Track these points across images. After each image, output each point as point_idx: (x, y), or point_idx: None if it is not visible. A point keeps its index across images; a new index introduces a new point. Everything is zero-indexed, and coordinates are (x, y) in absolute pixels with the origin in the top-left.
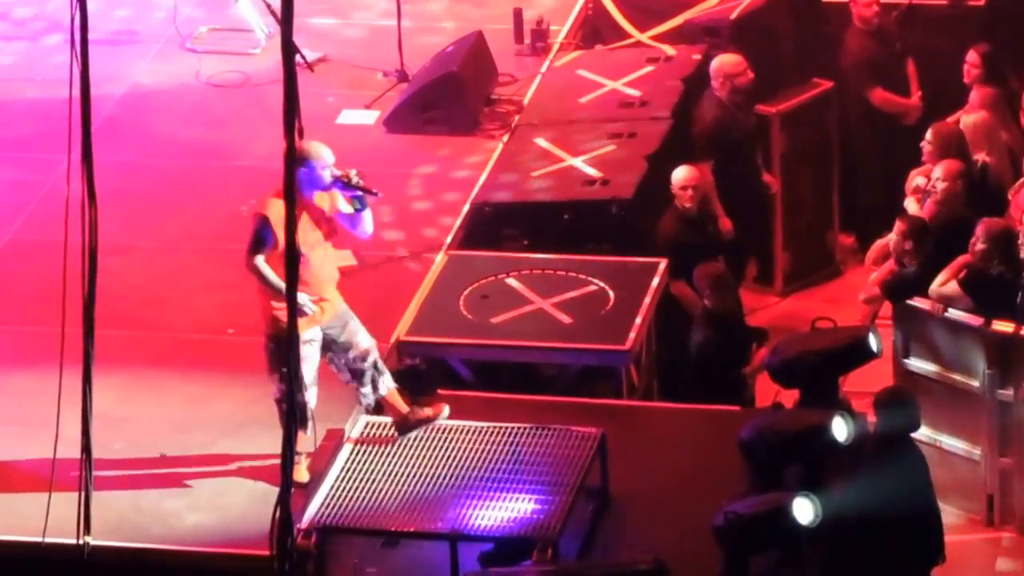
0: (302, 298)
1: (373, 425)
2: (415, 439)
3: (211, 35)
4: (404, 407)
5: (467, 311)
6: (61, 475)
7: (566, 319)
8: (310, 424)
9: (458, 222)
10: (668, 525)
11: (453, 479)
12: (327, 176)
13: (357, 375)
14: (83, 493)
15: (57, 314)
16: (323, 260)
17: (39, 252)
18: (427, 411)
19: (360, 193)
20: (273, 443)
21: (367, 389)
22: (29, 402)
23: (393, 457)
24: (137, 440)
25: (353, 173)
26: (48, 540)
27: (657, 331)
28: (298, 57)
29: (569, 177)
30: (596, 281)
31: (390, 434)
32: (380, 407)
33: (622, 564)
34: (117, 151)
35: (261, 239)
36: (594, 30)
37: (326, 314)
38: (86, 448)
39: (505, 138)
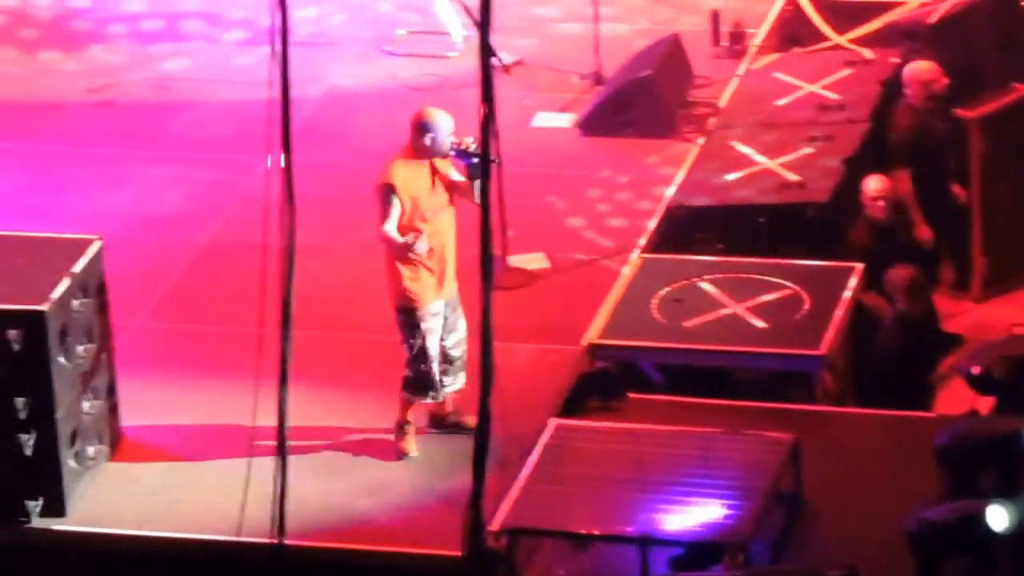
0: (421, 242)
1: (563, 428)
2: (606, 442)
3: (409, 38)
4: (451, 407)
5: (660, 315)
6: (256, 475)
7: (760, 323)
8: (434, 394)
9: (652, 225)
10: (861, 531)
11: (644, 483)
12: (448, 143)
13: (450, 360)
14: (278, 493)
15: (254, 315)
16: (447, 225)
17: (237, 253)
18: (469, 419)
19: (476, 161)
20: (465, 445)
21: (450, 378)
22: (225, 402)
23: (583, 460)
24: (330, 440)
25: (470, 140)
26: (243, 539)
27: (851, 336)
28: (494, 60)
29: (765, 180)
30: (791, 285)
31: (582, 437)
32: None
33: (814, 570)
34: (315, 153)
35: (390, 207)
36: (792, 33)
37: (446, 288)
38: (281, 448)
39: (701, 141)
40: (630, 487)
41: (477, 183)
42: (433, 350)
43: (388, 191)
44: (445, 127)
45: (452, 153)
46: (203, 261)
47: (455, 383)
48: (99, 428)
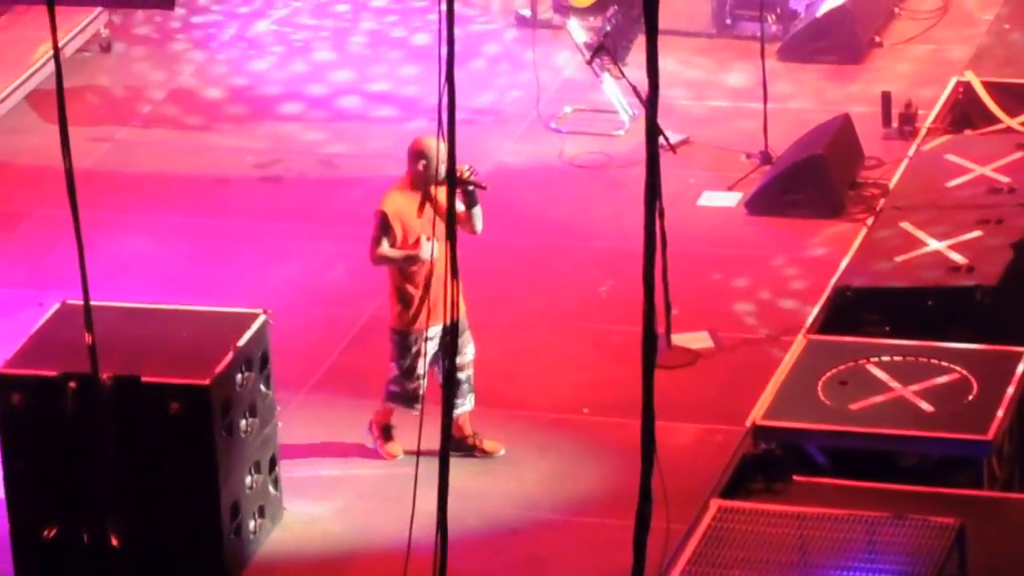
0: (425, 245)
1: (726, 510)
2: (769, 525)
3: (575, 116)
4: (469, 430)
5: (825, 397)
6: (415, 551)
7: (927, 407)
8: (418, 406)
9: (818, 306)
10: None
11: (807, 568)
12: (442, 171)
13: (457, 383)
14: (438, 570)
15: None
16: (441, 254)
17: None
18: (488, 444)
19: (472, 188)
20: (625, 514)
21: (460, 400)
22: (387, 478)
23: (745, 543)
24: (490, 515)
25: (465, 168)
26: None
27: (1019, 420)
28: (661, 139)
29: (934, 262)
30: (959, 369)
31: (745, 520)
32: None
33: None
34: (483, 229)
35: (384, 232)
36: (963, 114)
37: (444, 314)
38: (441, 525)
39: (870, 222)
40: (793, 572)
41: (476, 210)
42: (421, 370)
43: (382, 218)
44: (435, 155)
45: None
46: (365, 335)
47: (464, 405)
48: (261, 503)
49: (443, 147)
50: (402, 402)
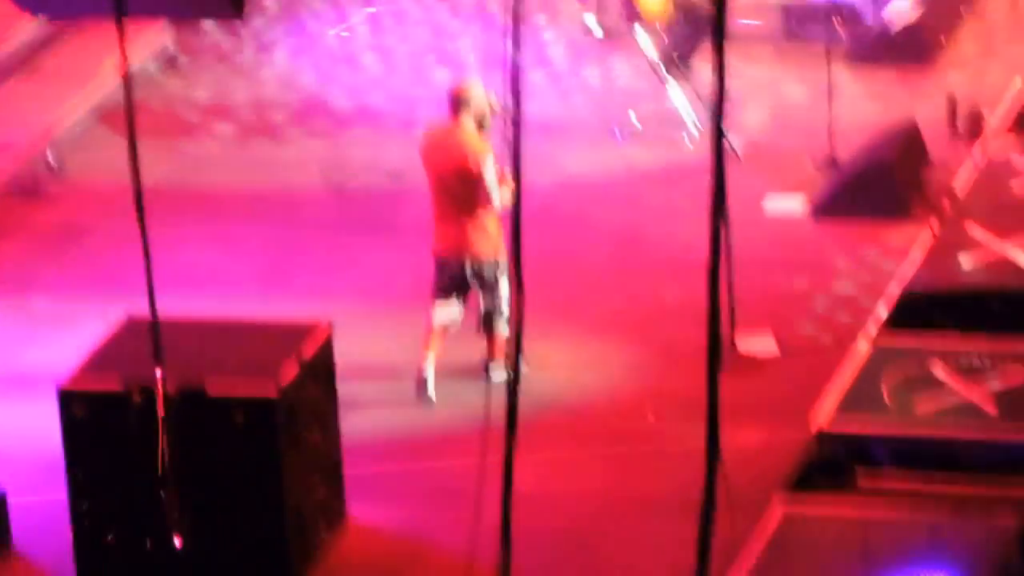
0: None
1: (790, 514)
2: (832, 530)
3: (642, 124)
4: (501, 352)
5: (892, 400)
6: (479, 555)
7: (995, 410)
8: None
9: (886, 310)
10: None
11: (870, 571)
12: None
13: (487, 319)
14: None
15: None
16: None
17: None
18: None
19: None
20: (689, 518)
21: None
22: (449, 486)
23: (809, 548)
24: (553, 520)
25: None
26: None
27: None
28: (727, 146)
29: (1002, 265)
30: None
31: (808, 523)
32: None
33: None
34: (549, 238)
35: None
36: None
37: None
38: (505, 528)
39: (937, 225)
40: (855, 575)
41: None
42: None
43: (492, 158)
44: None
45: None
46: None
47: (501, 327)
48: (326, 513)
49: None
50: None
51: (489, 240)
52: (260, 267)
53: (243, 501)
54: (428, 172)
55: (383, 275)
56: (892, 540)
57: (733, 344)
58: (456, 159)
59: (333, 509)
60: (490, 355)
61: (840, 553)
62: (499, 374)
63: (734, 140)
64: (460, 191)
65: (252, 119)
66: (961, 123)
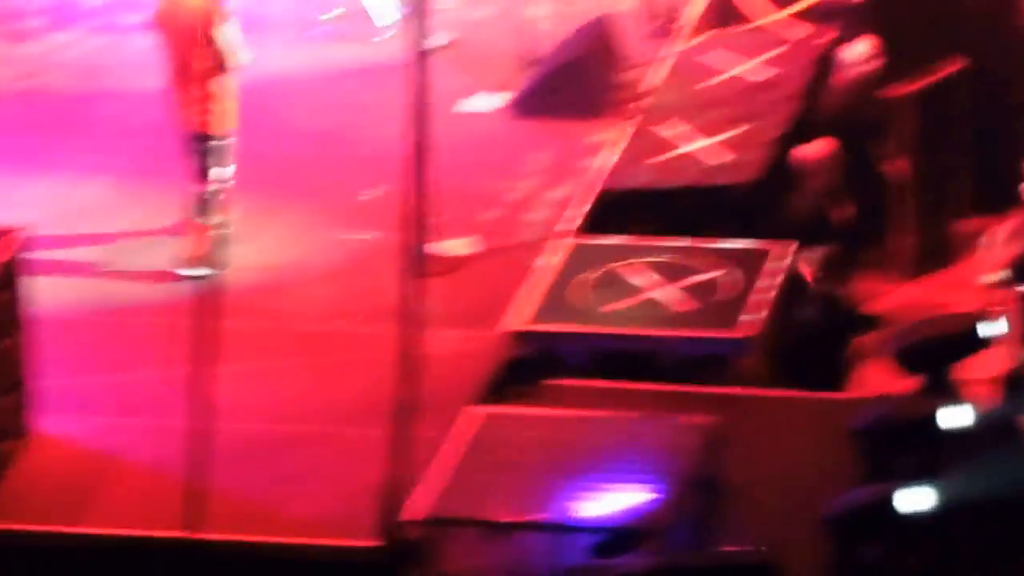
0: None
1: (482, 415)
2: (524, 429)
3: (337, 22)
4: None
5: (585, 299)
6: (169, 470)
7: (684, 306)
8: None
9: (583, 209)
10: (778, 515)
11: (562, 469)
12: None
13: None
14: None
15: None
16: None
17: None
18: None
19: None
20: (383, 424)
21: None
22: (144, 390)
23: (501, 447)
24: (246, 429)
25: None
26: (155, 534)
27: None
28: (428, 41)
29: (695, 162)
30: (718, 267)
31: (501, 425)
32: None
33: (731, 555)
34: (250, 139)
35: None
36: (722, 12)
37: None
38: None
39: (632, 123)
40: (549, 474)
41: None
42: None
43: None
44: None
45: None
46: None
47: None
48: (8, 426)
49: None
50: None
51: (219, 113)
52: None
53: None
54: (163, 38)
55: (79, 178)
56: (587, 437)
57: (430, 246)
58: (189, 22)
59: (16, 422)
60: (191, 249)
61: (532, 450)
62: (195, 270)
63: (439, 38)
64: (193, 57)
65: None
66: (656, 19)
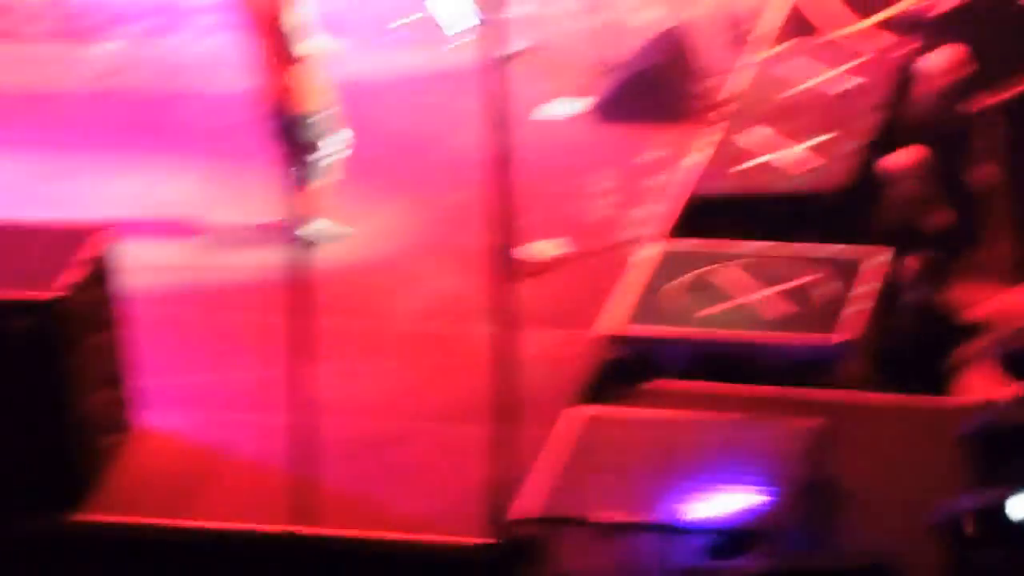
0: None
1: (584, 417)
2: (630, 430)
3: (413, 26)
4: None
5: (679, 303)
6: (275, 465)
7: (781, 310)
8: None
9: (670, 213)
10: (888, 520)
11: (672, 470)
12: None
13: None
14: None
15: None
16: None
17: None
18: None
19: None
20: (483, 422)
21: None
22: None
23: (606, 449)
24: (350, 426)
25: None
26: (260, 528)
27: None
28: (506, 47)
29: (782, 168)
30: (812, 271)
31: (604, 426)
32: None
33: (847, 558)
34: None
35: None
36: (803, 22)
37: None
38: (302, 436)
39: (717, 129)
40: (657, 475)
41: None
42: None
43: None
44: None
45: None
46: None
47: None
48: (110, 418)
49: None
50: None
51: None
52: (34, 170)
53: (22, 409)
54: (246, 20)
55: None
56: (693, 439)
57: (518, 249)
58: (259, 8)
59: (116, 416)
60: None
61: (643, 453)
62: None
63: (517, 43)
64: (269, 39)
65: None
66: (733, 29)
